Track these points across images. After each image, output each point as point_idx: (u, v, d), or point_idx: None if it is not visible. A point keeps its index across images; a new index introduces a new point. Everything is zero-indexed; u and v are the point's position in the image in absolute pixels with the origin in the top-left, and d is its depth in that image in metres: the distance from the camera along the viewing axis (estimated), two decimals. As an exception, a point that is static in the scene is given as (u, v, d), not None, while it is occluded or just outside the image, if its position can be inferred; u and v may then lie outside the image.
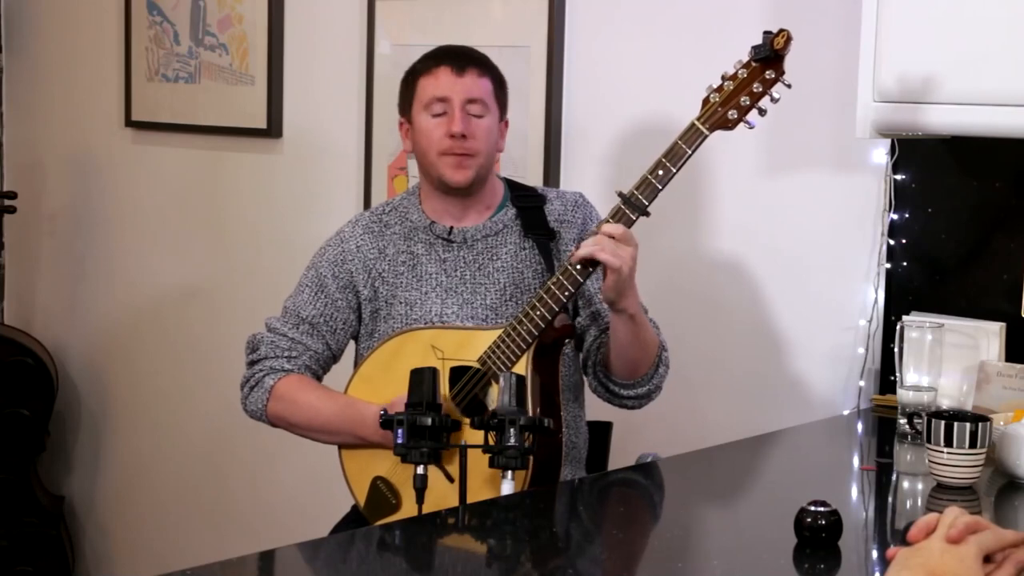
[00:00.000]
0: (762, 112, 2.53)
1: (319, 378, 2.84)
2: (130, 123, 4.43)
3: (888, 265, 3.02)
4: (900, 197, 3.00)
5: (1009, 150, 2.83)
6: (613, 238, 2.51)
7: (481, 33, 3.50)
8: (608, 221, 2.55)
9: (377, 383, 2.71)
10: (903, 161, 2.99)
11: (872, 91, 2.69)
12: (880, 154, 3.01)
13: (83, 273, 4.64)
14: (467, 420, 2.54)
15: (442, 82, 2.72)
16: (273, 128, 4.06)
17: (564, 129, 3.48)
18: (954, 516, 1.68)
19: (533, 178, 3.42)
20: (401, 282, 2.78)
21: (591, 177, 3.41)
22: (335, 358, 2.86)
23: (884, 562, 1.73)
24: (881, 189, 3.02)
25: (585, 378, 2.82)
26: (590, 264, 2.53)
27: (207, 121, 4.22)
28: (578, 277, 2.56)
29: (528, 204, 2.81)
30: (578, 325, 2.78)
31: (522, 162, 3.45)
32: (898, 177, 3.00)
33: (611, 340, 2.68)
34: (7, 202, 4.49)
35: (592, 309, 2.77)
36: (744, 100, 2.51)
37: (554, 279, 2.58)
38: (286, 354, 2.79)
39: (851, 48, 2.77)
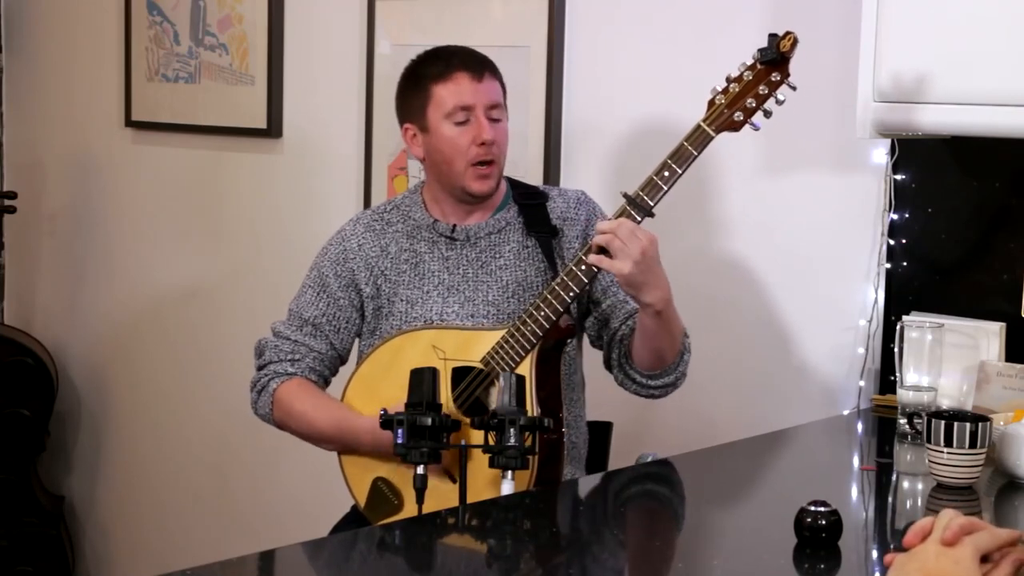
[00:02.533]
0: (767, 114, 2.54)
1: (326, 379, 2.84)
2: (130, 123, 4.43)
3: (888, 265, 3.02)
4: (900, 197, 3.00)
5: (1009, 150, 2.83)
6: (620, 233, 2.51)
7: (481, 33, 3.50)
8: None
9: (377, 383, 2.71)
10: (903, 161, 2.99)
11: (872, 91, 2.69)
12: (880, 154, 3.02)
13: (83, 273, 4.64)
14: (468, 420, 2.54)
15: (464, 89, 2.70)
16: (273, 128, 4.06)
17: (564, 129, 3.48)
18: (949, 518, 1.68)
19: (533, 178, 3.41)
20: (403, 280, 2.78)
21: (591, 177, 3.41)
22: (342, 358, 2.86)
23: (883, 564, 1.73)
24: (881, 189, 3.02)
25: (610, 373, 2.81)
26: (603, 252, 2.52)
27: (207, 121, 4.22)
28: (583, 278, 2.56)
29: (530, 202, 2.81)
30: (595, 319, 2.78)
31: (522, 162, 3.45)
32: (898, 177, 3.00)
33: (637, 331, 2.67)
34: (7, 202, 4.49)
35: (608, 303, 2.76)
36: (750, 102, 2.51)
37: (559, 280, 2.58)
38: (289, 357, 2.79)
39: (851, 48, 2.77)
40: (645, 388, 2.75)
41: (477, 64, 2.73)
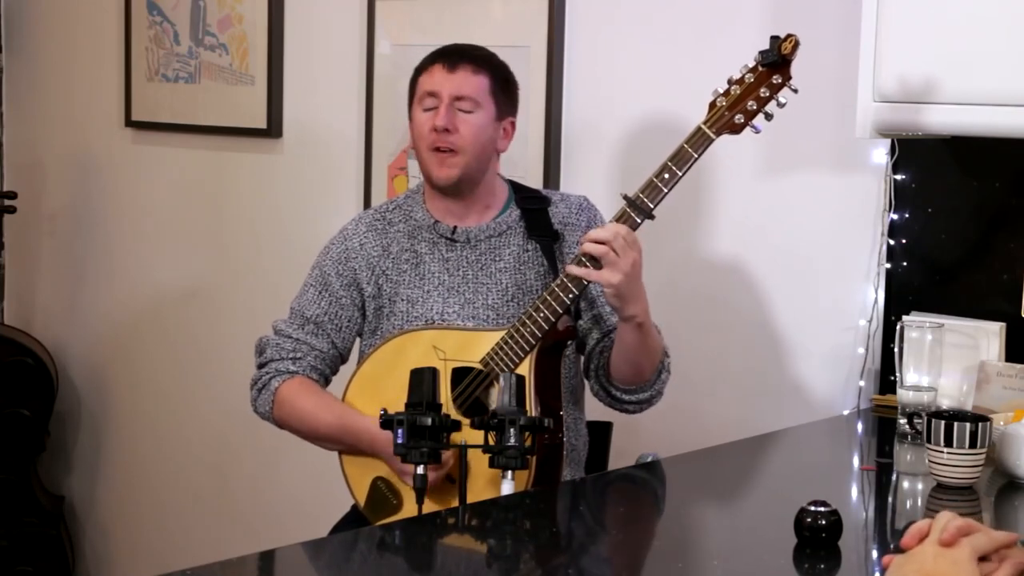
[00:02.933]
0: (768, 117, 2.53)
1: (327, 378, 2.84)
2: (130, 123, 4.43)
3: (888, 265, 3.02)
4: (900, 197, 3.00)
5: (1009, 150, 2.83)
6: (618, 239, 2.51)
7: (481, 33, 3.50)
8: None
9: (378, 383, 2.71)
10: (903, 161, 2.99)
11: (872, 91, 2.69)
12: (880, 154, 3.02)
13: (83, 273, 4.64)
14: (467, 421, 2.53)
15: (435, 78, 2.74)
16: (273, 128, 4.06)
17: (564, 129, 3.48)
18: (946, 520, 1.68)
19: (533, 179, 3.42)
20: (404, 280, 2.78)
21: (592, 177, 3.41)
22: (343, 358, 2.87)
23: (881, 566, 1.73)
24: (881, 189, 3.02)
25: (586, 381, 2.82)
26: (592, 260, 2.52)
27: (207, 121, 4.22)
28: (583, 280, 2.56)
29: (532, 206, 2.82)
30: (580, 328, 2.78)
31: (522, 162, 3.45)
32: (898, 177, 3.00)
33: (616, 344, 2.67)
34: (7, 202, 4.49)
35: (594, 312, 2.77)
36: (751, 105, 2.51)
37: (559, 281, 2.58)
38: (291, 355, 2.79)
39: (851, 49, 2.77)
40: (619, 403, 2.75)
41: (455, 56, 2.76)
